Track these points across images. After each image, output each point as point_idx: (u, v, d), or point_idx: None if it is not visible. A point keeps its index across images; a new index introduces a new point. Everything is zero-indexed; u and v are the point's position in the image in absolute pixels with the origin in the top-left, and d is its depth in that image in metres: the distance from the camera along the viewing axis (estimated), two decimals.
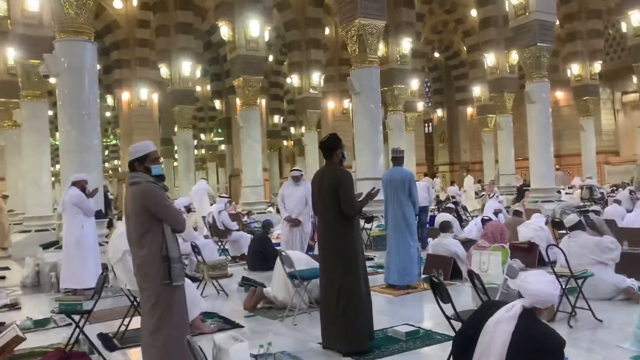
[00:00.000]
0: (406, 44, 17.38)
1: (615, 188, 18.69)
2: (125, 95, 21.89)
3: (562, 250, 4.86)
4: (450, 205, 12.86)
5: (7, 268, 10.13)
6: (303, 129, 22.47)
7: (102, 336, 5.02)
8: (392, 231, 6.68)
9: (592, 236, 5.43)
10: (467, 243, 8.19)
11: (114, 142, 33.94)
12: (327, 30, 23.60)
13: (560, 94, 25.29)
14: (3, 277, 9.13)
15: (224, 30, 14.83)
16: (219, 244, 10.01)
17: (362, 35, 11.12)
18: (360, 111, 11.50)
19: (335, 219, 4.23)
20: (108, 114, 29.04)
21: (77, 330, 4.30)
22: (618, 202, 11.23)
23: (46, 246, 8.19)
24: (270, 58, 27.73)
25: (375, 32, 11.28)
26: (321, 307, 4.44)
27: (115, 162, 35.36)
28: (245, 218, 12.90)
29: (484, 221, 9.01)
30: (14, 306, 6.56)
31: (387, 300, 6.16)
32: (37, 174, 11.86)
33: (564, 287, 4.79)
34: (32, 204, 11.85)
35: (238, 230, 10.19)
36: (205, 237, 9.43)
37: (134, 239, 3.45)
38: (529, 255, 7.58)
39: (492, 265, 4.46)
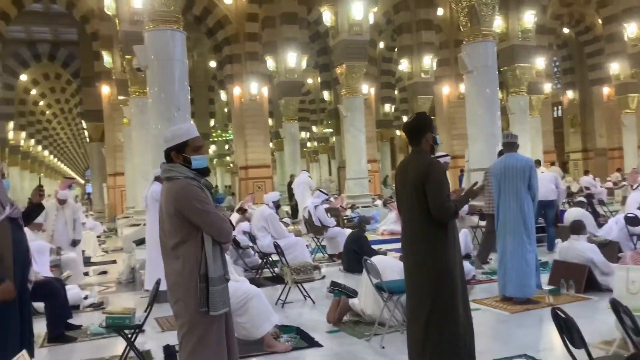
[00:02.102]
0: (529, 17, 15.47)
1: None
2: (236, 90, 22.14)
3: None
4: (582, 199, 11.07)
5: (113, 262, 10.34)
6: None
7: (167, 349, 4.53)
8: (506, 231, 5.53)
9: None
10: (606, 246, 6.74)
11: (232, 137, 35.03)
12: (440, 11, 22.06)
13: None
14: (105, 272, 9.25)
15: (327, 16, 14.23)
16: (316, 240, 9.37)
17: (474, 5, 9.79)
18: (473, 92, 10.17)
19: (422, 223, 3.25)
20: (226, 109, 29.93)
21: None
22: None
23: (139, 242, 8.07)
24: (381, 45, 26.74)
25: (489, 2, 9.88)
26: (408, 332, 3.50)
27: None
28: (348, 212, 12.18)
29: (627, 219, 7.43)
30: (99, 306, 6.39)
31: (500, 319, 5.03)
32: (146, 169, 12.05)
33: None
34: (142, 198, 12.07)
35: (336, 226, 9.46)
36: (297, 235, 8.84)
37: (168, 250, 2.80)
38: None
39: None
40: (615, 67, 20.89)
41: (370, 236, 9.82)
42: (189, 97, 8.50)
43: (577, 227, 6.06)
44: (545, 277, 6.14)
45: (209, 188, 2.84)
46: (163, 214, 2.78)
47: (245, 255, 7.83)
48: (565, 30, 28.69)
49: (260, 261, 7.82)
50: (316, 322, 5.20)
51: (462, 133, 15.39)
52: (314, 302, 5.95)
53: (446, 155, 6.43)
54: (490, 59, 10.14)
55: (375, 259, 4.75)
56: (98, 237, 14.01)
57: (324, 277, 7.23)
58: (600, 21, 23.90)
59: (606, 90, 26.14)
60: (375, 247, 8.33)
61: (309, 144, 39.39)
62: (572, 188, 17.32)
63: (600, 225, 9.19)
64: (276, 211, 8.07)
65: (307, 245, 8.67)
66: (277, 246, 6.15)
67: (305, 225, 9.77)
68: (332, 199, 14.27)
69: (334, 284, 6.13)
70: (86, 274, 8.85)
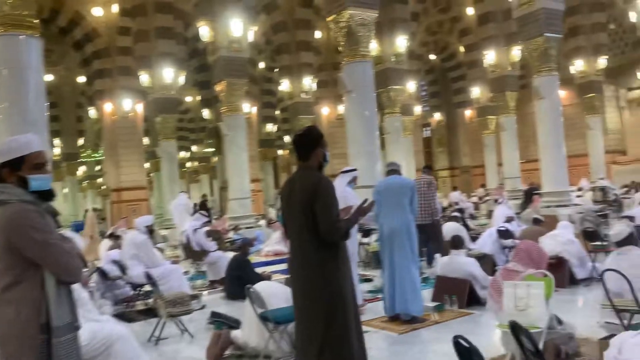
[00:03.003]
0: (401, 42, 16.22)
1: (628, 189, 17.52)
2: (107, 107, 20.71)
3: (624, 276, 3.63)
4: (456, 213, 11.63)
5: None
6: None
7: None
8: (391, 247, 5.46)
9: None
10: (482, 259, 7.02)
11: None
12: (319, 34, 22.52)
13: (562, 92, 24.10)
14: None
15: (204, 31, 13.73)
16: (196, 266, 8.78)
17: (351, 26, 9.96)
18: (353, 111, 10.31)
19: (312, 245, 2.98)
20: (97, 127, 27.88)
21: None
22: None
23: None
24: (262, 65, 26.65)
25: (366, 24, 10.12)
26: None
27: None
28: (230, 234, 11.68)
29: (500, 232, 7.82)
30: None
31: (389, 340, 4.90)
32: None
33: (627, 324, 3.61)
34: None
35: (217, 250, 8.93)
36: (174, 261, 8.20)
37: None
38: (558, 272, 6.30)
39: (533, 302, 3.25)
40: (476, 92, 22.65)
41: (254, 258, 9.43)
42: (47, 112, 7.62)
43: (457, 242, 6.20)
44: (428, 293, 6.17)
45: (52, 215, 2.31)
46: None
47: (114, 287, 7.03)
48: (432, 57, 30.77)
49: (131, 293, 7.08)
50: (195, 359, 4.69)
51: (343, 152, 15.63)
52: (192, 337, 5.41)
53: (354, 170, 6.21)
54: (368, 78, 10.36)
55: (259, 286, 4.40)
56: None
57: (203, 306, 6.70)
58: (462, 49, 25.91)
59: (468, 112, 28.36)
60: (259, 269, 7.96)
61: (188, 164, 38.03)
62: (443, 203, 18.31)
63: (472, 239, 9.65)
64: (150, 236, 7.38)
65: (185, 272, 8.06)
66: (149, 276, 5.55)
67: (183, 251, 9.12)
68: (213, 220, 13.67)
69: (214, 314, 5.65)
70: None
